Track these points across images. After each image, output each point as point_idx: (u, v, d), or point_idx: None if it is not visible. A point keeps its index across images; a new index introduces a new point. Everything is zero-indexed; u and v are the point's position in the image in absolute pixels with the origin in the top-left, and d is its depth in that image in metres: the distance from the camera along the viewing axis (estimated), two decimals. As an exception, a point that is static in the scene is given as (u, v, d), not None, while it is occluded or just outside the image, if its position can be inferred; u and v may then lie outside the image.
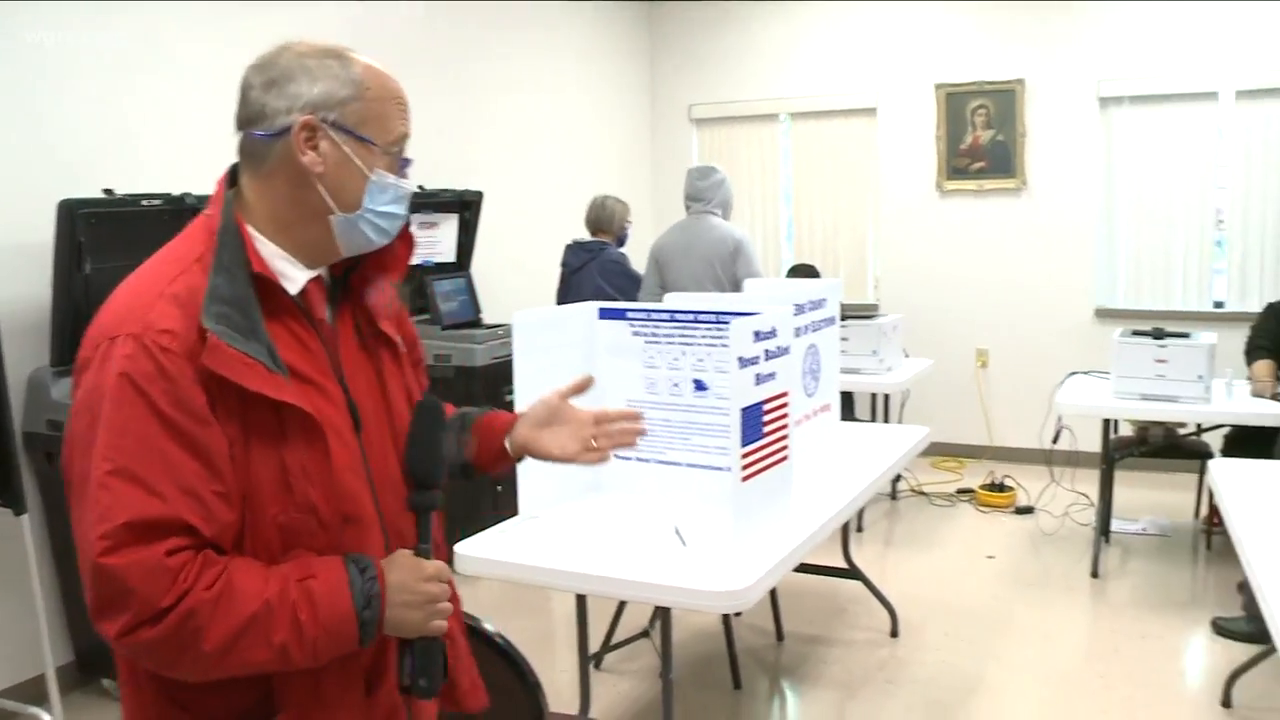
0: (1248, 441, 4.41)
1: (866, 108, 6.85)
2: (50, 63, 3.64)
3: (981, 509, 5.63)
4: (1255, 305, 5.37)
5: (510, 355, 2.63)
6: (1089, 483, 5.19)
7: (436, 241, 5.24)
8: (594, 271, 5.05)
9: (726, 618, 3.77)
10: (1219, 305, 6.15)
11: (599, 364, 2.81)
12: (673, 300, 3.05)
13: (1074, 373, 5.07)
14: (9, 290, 3.52)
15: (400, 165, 1.43)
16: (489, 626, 1.90)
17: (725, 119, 7.31)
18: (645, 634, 3.83)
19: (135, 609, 1.20)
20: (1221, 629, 3.96)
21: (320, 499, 1.32)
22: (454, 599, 1.51)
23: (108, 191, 3.60)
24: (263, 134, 1.34)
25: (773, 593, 3.97)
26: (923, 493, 5.90)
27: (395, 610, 1.35)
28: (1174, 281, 6.24)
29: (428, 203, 5.00)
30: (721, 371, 2.65)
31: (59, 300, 3.47)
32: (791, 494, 2.71)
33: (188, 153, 3.98)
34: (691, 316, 2.75)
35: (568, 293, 5.07)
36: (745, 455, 2.44)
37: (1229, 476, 2.95)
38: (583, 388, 1.73)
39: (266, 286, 1.34)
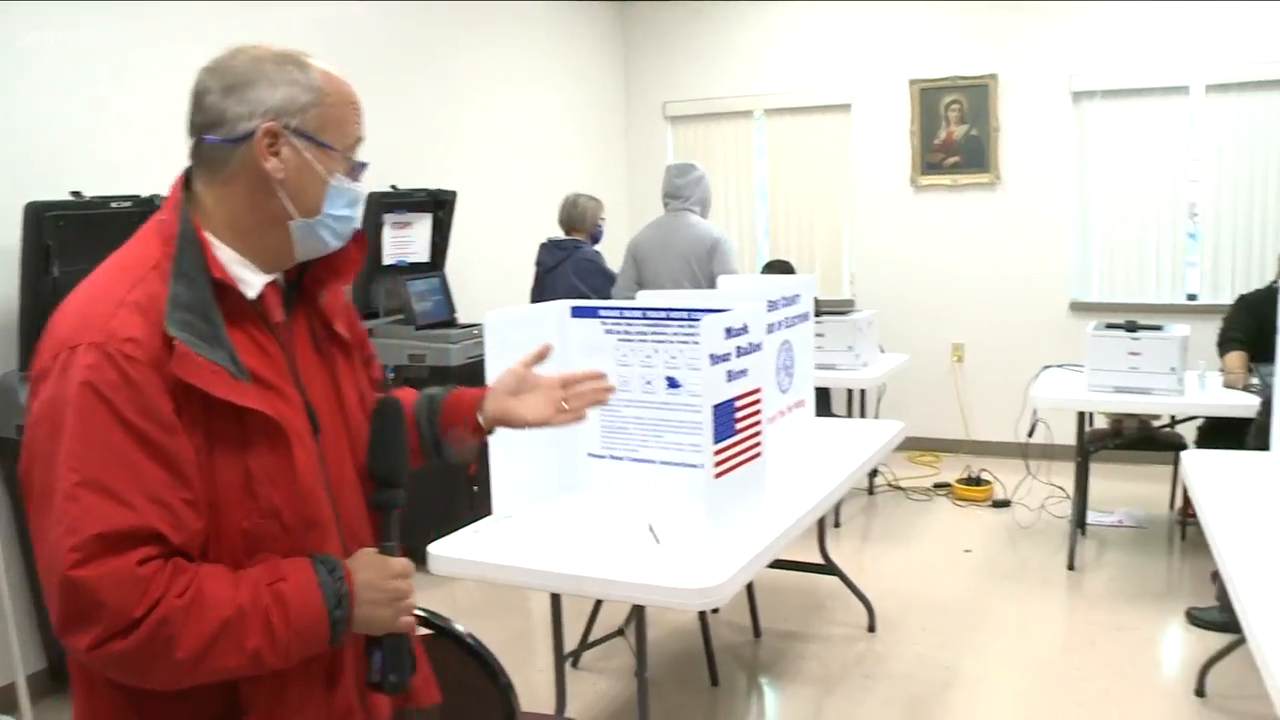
0: (1221, 433, 4.44)
1: (841, 104, 6.87)
2: (17, 64, 3.60)
3: (958, 503, 5.65)
4: (1228, 297, 5.41)
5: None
6: (1065, 476, 5.22)
7: (410, 241, 5.20)
8: (568, 270, 5.04)
9: (703, 615, 3.76)
10: (1192, 298, 6.20)
11: (572, 362, 2.80)
12: (645, 298, 3.04)
13: (1049, 366, 5.09)
14: (-25, 294, 3.47)
15: (355, 169, 1.43)
16: (460, 627, 1.89)
17: (700, 116, 7.31)
18: (620, 632, 3.82)
19: (106, 621, 1.18)
20: (1196, 619, 3.99)
21: (284, 504, 1.32)
22: None
23: (75, 194, 3.57)
24: (222, 140, 1.34)
25: (749, 589, 3.97)
26: (899, 487, 5.92)
27: (364, 608, 1.36)
28: (1147, 274, 6.28)
29: (401, 202, 4.96)
30: (693, 369, 2.65)
31: (27, 303, 3.43)
32: (765, 490, 2.71)
33: (156, 154, 3.91)
34: (663, 314, 2.76)
35: (542, 291, 5.06)
36: (718, 452, 2.44)
37: (1201, 468, 2.96)
38: (543, 355, 1.78)
39: (225, 292, 1.33)
